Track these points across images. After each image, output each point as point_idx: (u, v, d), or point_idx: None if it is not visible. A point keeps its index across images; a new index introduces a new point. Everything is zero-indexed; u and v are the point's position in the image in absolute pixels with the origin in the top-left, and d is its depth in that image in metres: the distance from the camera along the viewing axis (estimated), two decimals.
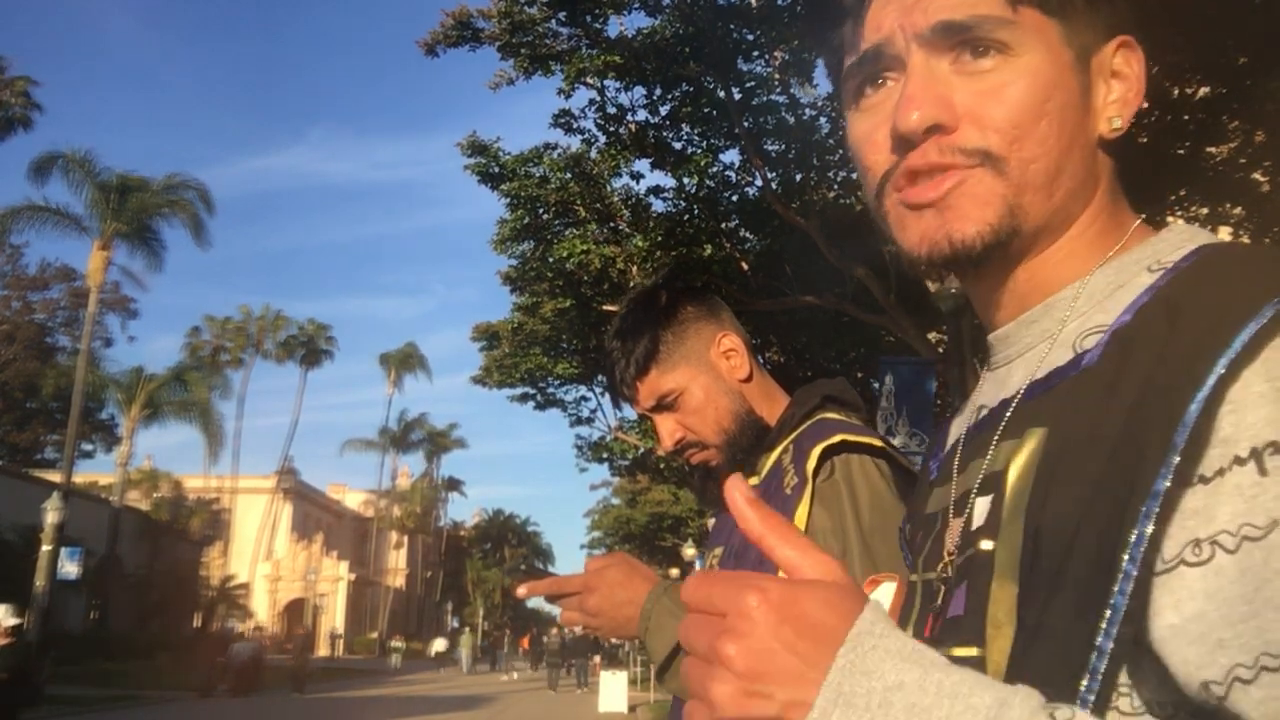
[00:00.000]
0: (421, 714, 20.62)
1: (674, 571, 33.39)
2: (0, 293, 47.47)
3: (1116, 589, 0.53)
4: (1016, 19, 0.65)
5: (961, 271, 0.69)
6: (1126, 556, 0.53)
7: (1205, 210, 9.26)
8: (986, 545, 0.63)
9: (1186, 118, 8.31)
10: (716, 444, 1.48)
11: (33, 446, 47.50)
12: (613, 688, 21.09)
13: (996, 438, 0.67)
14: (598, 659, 33.24)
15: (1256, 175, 8.81)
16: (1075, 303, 0.67)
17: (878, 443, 1.35)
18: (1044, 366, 0.66)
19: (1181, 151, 8.53)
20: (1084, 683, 0.53)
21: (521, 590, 1.38)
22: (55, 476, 28.99)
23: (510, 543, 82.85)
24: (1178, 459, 0.52)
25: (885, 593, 0.79)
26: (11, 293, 47.71)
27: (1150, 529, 0.52)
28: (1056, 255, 0.69)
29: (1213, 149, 8.73)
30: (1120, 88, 0.69)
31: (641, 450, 19.83)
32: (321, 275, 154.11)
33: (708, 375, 1.49)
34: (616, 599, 1.34)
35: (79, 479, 34.73)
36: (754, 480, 1.48)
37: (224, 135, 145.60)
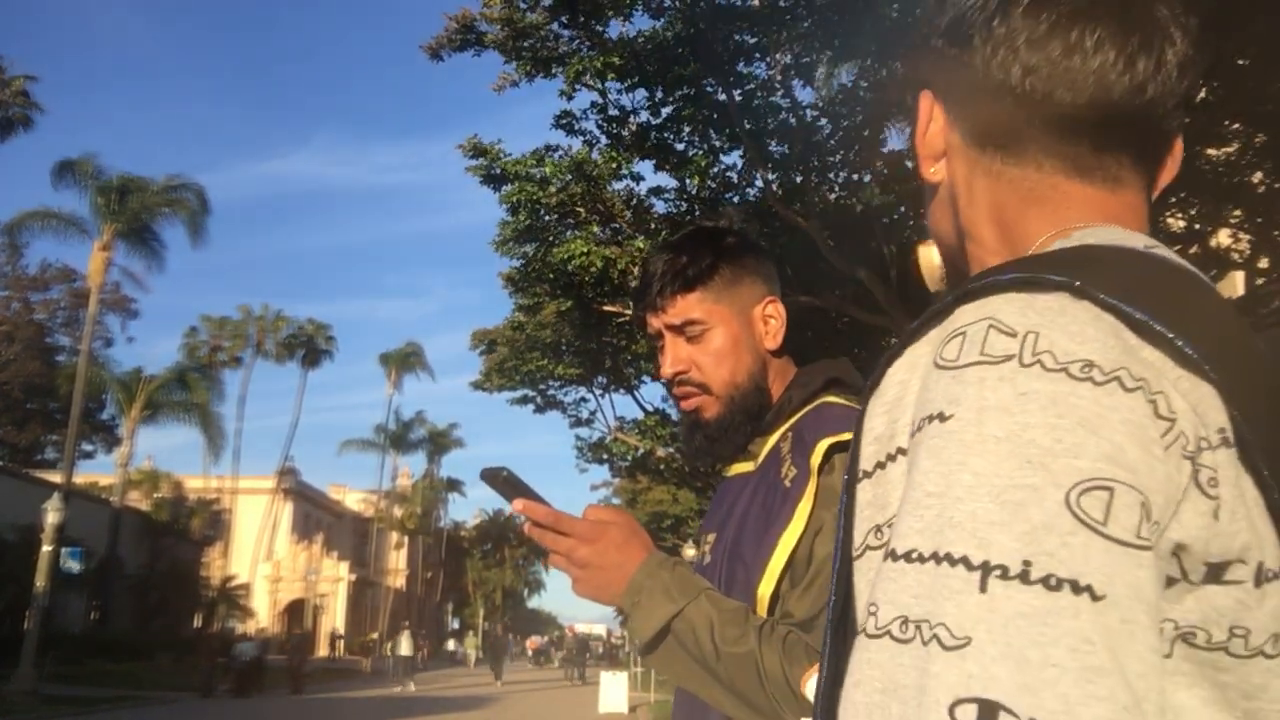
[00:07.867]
0: (421, 714, 20.62)
1: None
2: (1, 293, 47.51)
3: (834, 569, 0.63)
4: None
5: None
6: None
7: (1205, 212, 9.25)
8: None
9: (1187, 120, 8.31)
10: (719, 395, 1.42)
11: (33, 446, 47.50)
12: (613, 688, 21.01)
13: None
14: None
15: (1256, 177, 8.80)
16: None
17: None
18: None
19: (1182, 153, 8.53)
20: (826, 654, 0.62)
21: (517, 505, 1.30)
22: (55, 477, 29.00)
23: (511, 543, 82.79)
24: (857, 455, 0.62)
25: None
26: (12, 293, 47.73)
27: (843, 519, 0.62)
28: None
29: (1213, 150, 8.73)
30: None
31: (641, 451, 19.80)
32: (323, 277, 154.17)
33: (742, 327, 1.44)
34: (609, 560, 1.26)
35: (79, 479, 34.72)
36: (750, 466, 1.42)
37: (229, 140, 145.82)
